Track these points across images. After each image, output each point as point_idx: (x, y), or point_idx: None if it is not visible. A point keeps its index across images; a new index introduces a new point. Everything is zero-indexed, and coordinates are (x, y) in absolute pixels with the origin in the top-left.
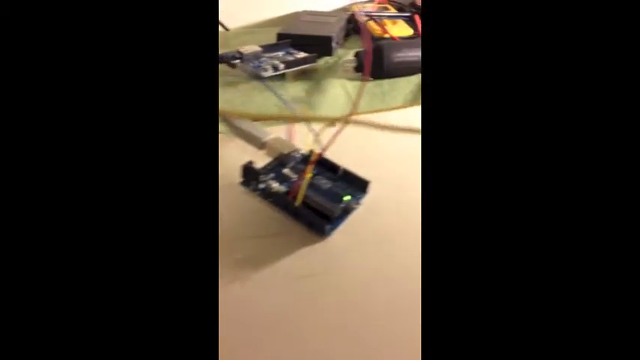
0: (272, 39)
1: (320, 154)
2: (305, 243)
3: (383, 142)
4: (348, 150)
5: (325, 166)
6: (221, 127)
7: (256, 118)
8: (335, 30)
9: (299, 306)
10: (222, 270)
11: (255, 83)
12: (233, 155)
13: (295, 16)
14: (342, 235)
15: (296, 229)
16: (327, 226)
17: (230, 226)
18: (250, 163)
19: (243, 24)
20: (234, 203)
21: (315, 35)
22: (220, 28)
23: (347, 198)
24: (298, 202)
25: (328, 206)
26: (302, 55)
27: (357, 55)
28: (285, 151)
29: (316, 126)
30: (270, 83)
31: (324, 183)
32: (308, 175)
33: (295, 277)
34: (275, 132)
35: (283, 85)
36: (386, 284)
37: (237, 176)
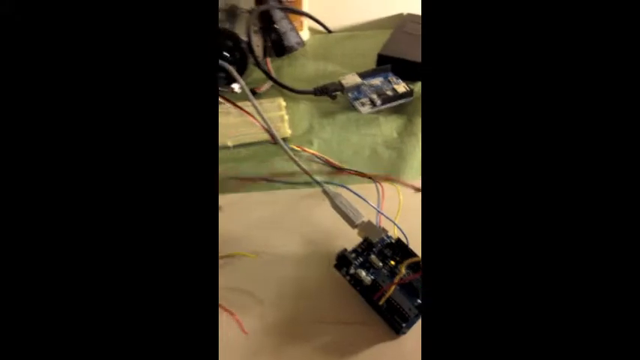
0: (373, 46)
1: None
2: (381, 338)
3: None
4: None
5: (405, 252)
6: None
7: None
8: None
9: None
10: (301, 356)
11: (352, 115)
12: (327, 218)
13: (398, 23)
14: (416, 334)
15: (375, 321)
16: (404, 325)
17: (318, 308)
18: (345, 251)
19: (346, 24)
20: (326, 286)
21: (416, 62)
22: (323, 30)
23: None
24: (382, 302)
25: (406, 308)
26: (400, 85)
27: None
28: (375, 240)
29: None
30: (367, 116)
31: (405, 273)
32: (394, 285)
33: None
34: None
35: (377, 120)
36: None
37: (331, 248)
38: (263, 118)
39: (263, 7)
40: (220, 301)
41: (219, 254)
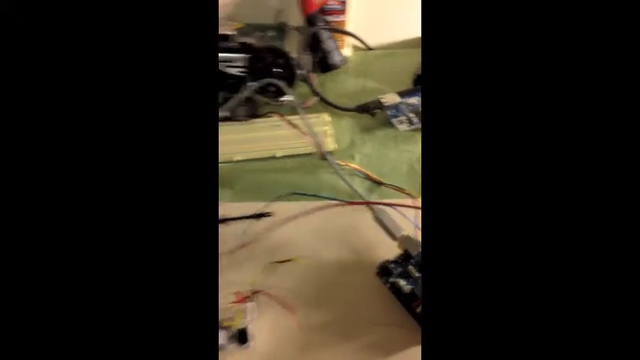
0: (409, 64)
1: None
2: (417, 339)
3: None
4: None
5: None
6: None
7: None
8: None
9: None
10: (350, 352)
11: (390, 132)
12: (369, 230)
13: None
14: None
15: (412, 324)
16: None
17: (361, 310)
18: (386, 262)
19: (386, 42)
20: (369, 292)
21: None
22: (363, 47)
23: None
24: (419, 310)
25: None
26: None
27: None
28: (413, 252)
29: None
30: (404, 133)
31: None
32: None
33: None
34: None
35: (414, 137)
36: None
37: (372, 257)
38: (312, 133)
39: (313, 29)
40: (280, 298)
41: (277, 259)
